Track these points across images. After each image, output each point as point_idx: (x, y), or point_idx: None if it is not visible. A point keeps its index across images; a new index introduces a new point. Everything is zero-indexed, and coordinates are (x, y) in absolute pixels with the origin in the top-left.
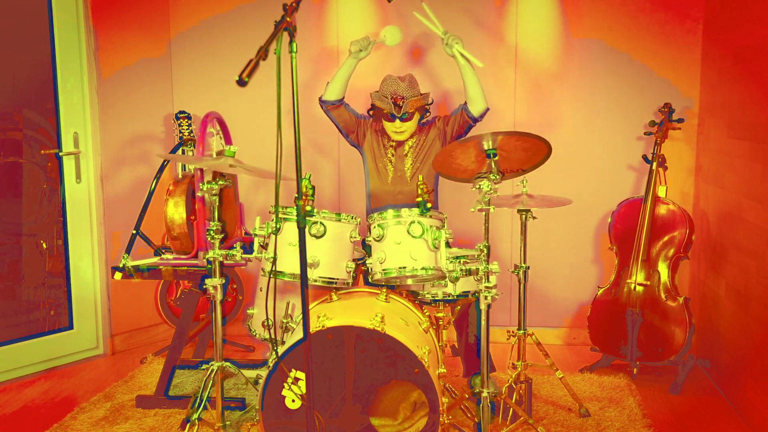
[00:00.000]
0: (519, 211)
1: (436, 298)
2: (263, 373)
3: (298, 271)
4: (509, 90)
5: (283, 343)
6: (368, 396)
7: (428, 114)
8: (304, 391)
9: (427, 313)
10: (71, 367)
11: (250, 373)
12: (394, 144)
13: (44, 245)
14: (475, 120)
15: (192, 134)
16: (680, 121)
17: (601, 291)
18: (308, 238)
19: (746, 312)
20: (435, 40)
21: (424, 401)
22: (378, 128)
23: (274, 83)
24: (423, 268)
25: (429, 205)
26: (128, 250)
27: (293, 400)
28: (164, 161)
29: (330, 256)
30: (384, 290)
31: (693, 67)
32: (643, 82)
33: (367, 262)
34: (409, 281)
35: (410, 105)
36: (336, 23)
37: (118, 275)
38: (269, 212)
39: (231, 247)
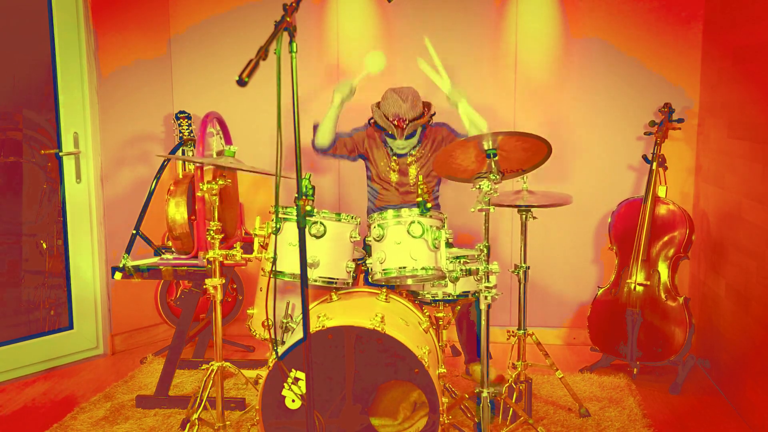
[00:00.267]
0: (519, 211)
1: (436, 298)
2: (263, 373)
3: (298, 271)
4: (509, 90)
5: (283, 343)
6: (368, 396)
7: (431, 122)
8: (304, 391)
9: (427, 313)
10: (71, 367)
11: (250, 373)
12: (395, 157)
13: (44, 245)
14: None
15: (192, 134)
16: (680, 121)
17: (601, 291)
18: (308, 238)
19: (746, 312)
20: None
21: (424, 401)
22: (376, 134)
23: (274, 83)
24: (423, 268)
25: (429, 205)
26: (128, 250)
27: (293, 400)
28: (164, 161)
29: (330, 256)
30: (384, 290)
31: (693, 67)
32: (643, 82)
33: (367, 262)
34: (409, 281)
35: (412, 126)
36: (336, 23)
37: (118, 275)
38: (269, 212)
39: (231, 247)
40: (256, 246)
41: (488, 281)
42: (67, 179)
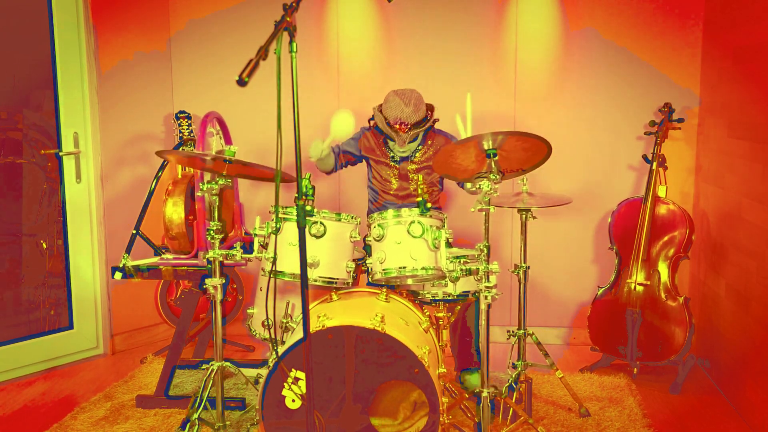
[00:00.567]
0: (519, 210)
1: (436, 298)
2: (263, 372)
3: (298, 271)
4: (509, 90)
5: (283, 342)
6: (368, 396)
7: (433, 126)
8: (304, 391)
9: (427, 313)
10: (71, 367)
11: (250, 373)
12: (398, 160)
13: (44, 245)
14: None
15: (192, 134)
16: (680, 121)
17: (601, 291)
18: (308, 238)
19: (746, 312)
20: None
21: (424, 401)
22: (377, 136)
23: (274, 83)
24: (423, 268)
25: (429, 205)
26: (128, 250)
27: (293, 400)
28: (164, 161)
29: (330, 256)
30: (384, 290)
31: (693, 67)
32: (644, 81)
33: (367, 262)
34: (409, 281)
35: (414, 132)
36: (336, 23)
37: (118, 275)
38: (269, 212)
39: (231, 247)
40: (256, 246)
41: (488, 281)
42: (67, 179)
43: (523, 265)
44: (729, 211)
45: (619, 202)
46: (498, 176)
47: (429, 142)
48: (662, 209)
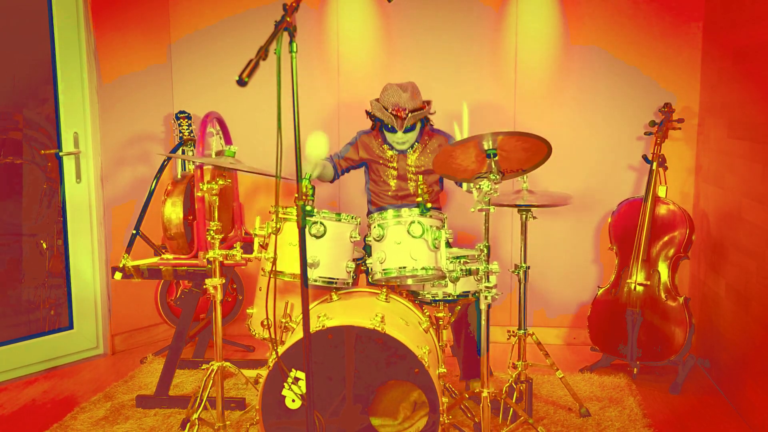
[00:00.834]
0: (519, 210)
1: (436, 298)
2: (263, 372)
3: (298, 271)
4: (509, 90)
5: (282, 342)
6: (368, 396)
7: (430, 121)
8: (304, 391)
9: (427, 313)
10: (71, 367)
11: (250, 373)
12: (396, 159)
13: (44, 245)
14: None
15: (192, 134)
16: (680, 121)
17: (601, 291)
18: (308, 238)
19: (746, 312)
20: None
21: (424, 401)
22: (375, 138)
23: (274, 83)
24: (423, 268)
25: (429, 205)
26: (128, 250)
27: (293, 400)
28: (164, 161)
29: (330, 256)
30: (384, 290)
31: (693, 67)
32: (643, 82)
33: (367, 262)
34: (409, 281)
35: (412, 117)
36: (336, 23)
37: (118, 275)
38: (269, 212)
39: (230, 247)
40: (256, 246)
41: (488, 281)
42: (67, 179)
43: (523, 265)
44: (729, 211)
45: (619, 202)
46: (498, 176)
47: (426, 139)
48: (662, 209)
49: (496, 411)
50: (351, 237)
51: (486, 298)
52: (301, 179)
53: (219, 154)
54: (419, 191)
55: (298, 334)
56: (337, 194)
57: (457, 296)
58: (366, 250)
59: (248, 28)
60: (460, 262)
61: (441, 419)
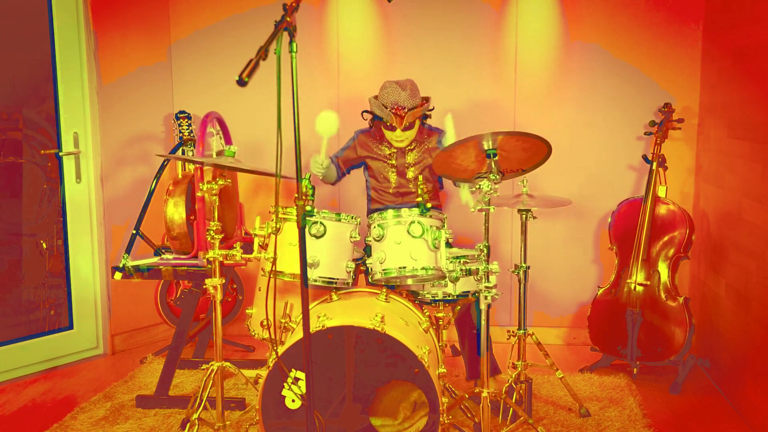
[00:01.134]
0: (519, 211)
1: (436, 298)
2: (263, 373)
3: (298, 271)
4: (509, 90)
5: (282, 342)
6: (368, 396)
7: (429, 118)
8: (304, 391)
9: (427, 313)
10: (71, 367)
11: (250, 373)
12: (394, 156)
13: (44, 245)
14: None
15: (192, 134)
16: (680, 121)
17: (601, 291)
18: (308, 238)
19: (746, 312)
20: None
21: (424, 401)
22: (373, 136)
23: (274, 83)
24: (423, 268)
25: (429, 205)
26: (128, 250)
27: (293, 400)
28: (164, 161)
29: (330, 256)
30: (384, 290)
31: (693, 67)
32: (643, 81)
33: (367, 262)
34: (409, 281)
35: (412, 115)
36: (336, 23)
37: (118, 275)
38: (269, 212)
39: (231, 247)
40: (256, 246)
41: (488, 281)
42: (67, 179)
43: (523, 265)
44: (729, 211)
45: (619, 202)
46: (498, 176)
47: (425, 137)
48: (662, 209)
49: (496, 411)
50: (351, 237)
51: (486, 298)
52: (301, 179)
53: (219, 154)
54: (419, 191)
55: (298, 334)
56: (337, 194)
57: (457, 296)
58: (366, 250)
59: (248, 28)
60: (460, 262)
61: (441, 419)
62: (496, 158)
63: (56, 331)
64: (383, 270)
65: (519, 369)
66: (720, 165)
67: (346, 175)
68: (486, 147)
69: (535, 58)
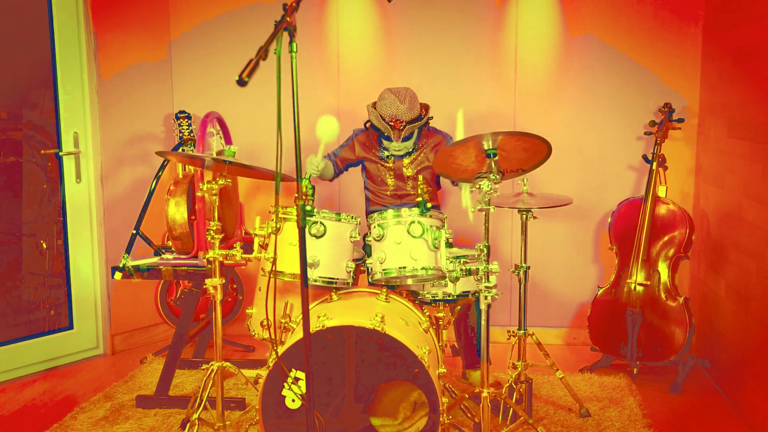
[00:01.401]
0: (519, 210)
1: (436, 298)
2: (263, 373)
3: (298, 271)
4: (509, 90)
5: (282, 342)
6: (368, 396)
7: (428, 125)
8: (304, 391)
9: (427, 313)
10: (71, 367)
11: (250, 373)
12: (392, 159)
13: (44, 245)
14: None
15: (192, 134)
16: (680, 121)
17: (601, 291)
18: (308, 238)
19: (746, 312)
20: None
21: (424, 401)
22: (370, 137)
23: (274, 83)
24: (423, 268)
25: (429, 205)
26: (128, 250)
27: (293, 400)
28: (164, 161)
29: (330, 256)
30: (384, 290)
31: (693, 67)
32: (643, 82)
33: (367, 262)
34: (409, 281)
35: (410, 129)
36: (336, 23)
37: (118, 275)
38: (269, 212)
39: (231, 247)
40: (256, 246)
41: (488, 281)
42: (67, 179)
43: (524, 265)
44: (729, 211)
45: (619, 202)
46: (498, 176)
47: (424, 140)
48: (662, 209)
49: (496, 411)
50: (351, 237)
51: (486, 298)
52: (301, 179)
53: (219, 154)
54: (419, 191)
55: (298, 334)
56: (336, 194)
57: (457, 296)
58: (366, 250)
59: (249, 28)
60: (460, 262)
61: (441, 419)
62: (496, 158)
63: (56, 331)
64: (383, 270)
65: (519, 369)
66: (720, 165)
67: (343, 173)
68: (486, 147)
69: (535, 59)
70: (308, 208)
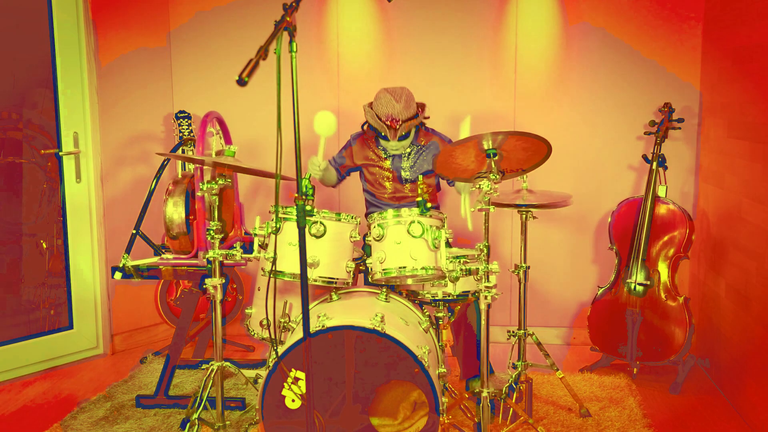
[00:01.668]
0: (519, 210)
1: (436, 298)
2: (263, 372)
3: (298, 270)
4: (509, 90)
5: (282, 342)
6: (368, 396)
7: (424, 126)
8: (304, 391)
9: (427, 313)
10: (71, 367)
11: (250, 373)
12: (390, 159)
13: (44, 245)
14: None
15: (192, 134)
16: (680, 121)
17: (601, 291)
18: (308, 238)
19: (746, 312)
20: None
21: (424, 401)
22: (368, 139)
23: (274, 83)
24: (423, 268)
25: (429, 204)
26: (128, 250)
27: (293, 400)
28: (164, 161)
29: (330, 255)
30: (384, 290)
31: (693, 66)
32: (643, 81)
33: (367, 261)
34: (409, 281)
35: (406, 127)
36: (336, 23)
37: (118, 275)
38: (269, 212)
39: (230, 247)
40: (256, 246)
41: (488, 281)
42: (67, 179)
43: (523, 265)
44: (729, 211)
45: (619, 202)
46: (498, 176)
47: (422, 141)
48: (662, 209)
49: (496, 411)
50: (351, 237)
51: (486, 298)
52: (301, 179)
53: (219, 154)
54: (419, 191)
55: (298, 334)
56: (336, 194)
57: (457, 296)
58: (365, 250)
59: (249, 28)
60: (459, 261)
61: (441, 419)
62: (496, 158)
63: (56, 331)
64: (383, 270)
65: (519, 369)
66: (720, 165)
67: (346, 178)
68: (486, 147)
69: (534, 58)
70: (308, 207)
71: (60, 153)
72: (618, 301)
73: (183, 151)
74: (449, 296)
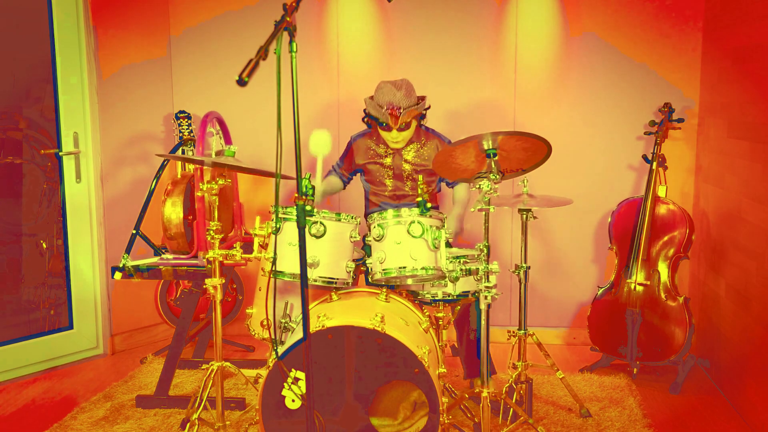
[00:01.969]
0: (520, 210)
1: (436, 298)
2: (263, 372)
3: (298, 271)
4: (509, 90)
5: (282, 342)
6: (368, 396)
7: (425, 119)
8: (304, 391)
9: (427, 313)
10: (71, 367)
11: (250, 373)
12: (390, 155)
13: (44, 245)
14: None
15: (192, 134)
16: (680, 121)
17: (601, 291)
18: (308, 238)
19: (746, 312)
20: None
21: (424, 401)
22: (368, 137)
23: (274, 83)
24: (423, 268)
25: (429, 204)
26: (128, 250)
27: (293, 400)
28: (164, 161)
29: (330, 256)
30: (384, 290)
31: (693, 67)
32: (643, 81)
33: (367, 262)
34: (409, 281)
35: (407, 115)
36: (336, 23)
37: (118, 275)
38: (269, 212)
39: (230, 247)
40: (256, 246)
41: (488, 281)
42: (67, 179)
43: (524, 265)
44: (729, 211)
45: (619, 202)
46: (498, 176)
47: (423, 140)
48: (662, 209)
49: (496, 411)
50: (351, 237)
51: (486, 298)
52: (301, 179)
53: (219, 154)
54: (419, 190)
55: (298, 334)
56: (336, 194)
57: (457, 296)
58: (366, 250)
59: (249, 28)
60: (459, 261)
61: (441, 419)
62: (496, 158)
63: (56, 331)
64: (383, 270)
65: (519, 369)
66: (720, 165)
67: (351, 179)
68: (486, 147)
69: (535, 58)
70: (308, 207)
71: (60, 153)
72: (618, 301)
73: (183, 152)
74: (449, 296)
